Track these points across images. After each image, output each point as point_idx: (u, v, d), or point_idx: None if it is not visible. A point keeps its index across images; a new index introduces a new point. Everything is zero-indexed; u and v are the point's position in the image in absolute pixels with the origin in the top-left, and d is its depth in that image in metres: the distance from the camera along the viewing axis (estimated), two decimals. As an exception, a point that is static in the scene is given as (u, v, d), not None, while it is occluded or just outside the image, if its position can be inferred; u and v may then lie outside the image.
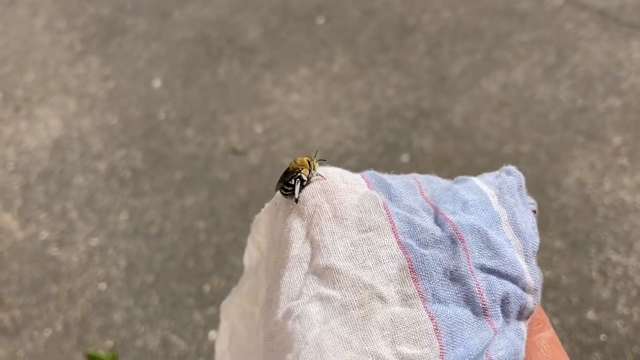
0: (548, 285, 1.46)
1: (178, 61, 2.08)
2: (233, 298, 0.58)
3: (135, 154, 1.81)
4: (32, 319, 1.47)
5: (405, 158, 1.75)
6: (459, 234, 0.40)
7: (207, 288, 1.52)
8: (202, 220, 1.65)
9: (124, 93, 1.98)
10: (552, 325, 0.45)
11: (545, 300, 1.42)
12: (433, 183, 0.47)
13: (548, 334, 0.41)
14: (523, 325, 0.39)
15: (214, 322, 1.46)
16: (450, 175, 0.47)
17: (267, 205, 0.50)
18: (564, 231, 1.55)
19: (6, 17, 2.32)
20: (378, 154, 1.78)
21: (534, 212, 0.46)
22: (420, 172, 0.49)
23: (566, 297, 1.44)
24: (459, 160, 1.74)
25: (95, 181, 1.74)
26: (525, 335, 0.39)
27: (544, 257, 1.50)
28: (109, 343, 1.43)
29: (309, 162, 0.47)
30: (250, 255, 0.55)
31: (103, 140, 1.85)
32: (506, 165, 0.49)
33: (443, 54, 2.07)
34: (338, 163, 1.78)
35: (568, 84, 1.94)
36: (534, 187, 1.65)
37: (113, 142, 1.84)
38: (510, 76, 1.98)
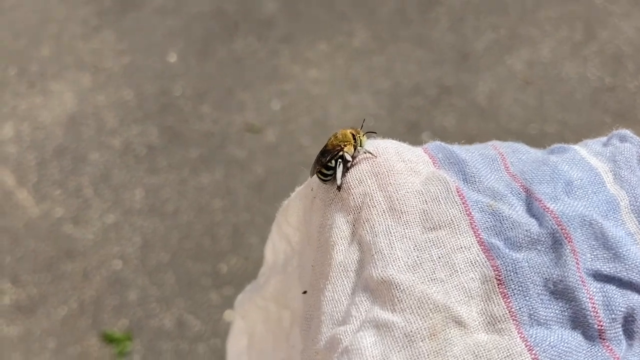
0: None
1: (194, 36, 2.04)
2: (253, 297, 0.47)
3: (150, 130, 1.78)
4: (48, 297, 1.47)
5: (426, 137, 1.71)
6: (564, 229, 0.29)
7: (223, 268, 1.50)
8: (219, 198, 1.62)
9: (139, 68, 1.95)
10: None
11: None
12: (520, 153, 0.35)
13: None
14: None
15: (230, 302, 1.44)
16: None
17: (298, 189, 0.39)
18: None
19: (21, -10, 2.28)
20: (399, 132, 1.73)
21: None
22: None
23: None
24: (482, 139, 1.67)
25: (110, 157, 1.72)
26: None
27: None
28: (124, 322, 1.42)
29: (353, 135, 0.37)
30: (276, 249, 0.44)
31: (118, 116, 1.82)
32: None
33: (467, 29, 2.00)
34: (357, 141, 1.74)
35: (596, 62, 1.87)
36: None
37: (128, 117, 1.81)
38: (535, 53, 1.92)
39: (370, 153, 0.35)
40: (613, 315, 0.28)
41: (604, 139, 0.37)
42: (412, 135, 1.72)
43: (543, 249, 0.29)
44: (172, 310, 1.44)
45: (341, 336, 0.28)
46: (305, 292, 0.37)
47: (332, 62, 1.93)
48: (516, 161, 0.35)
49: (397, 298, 0.28)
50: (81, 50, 2.01)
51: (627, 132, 0.36)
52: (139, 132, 1.78)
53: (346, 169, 0.35)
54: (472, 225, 0.30)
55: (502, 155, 0.35)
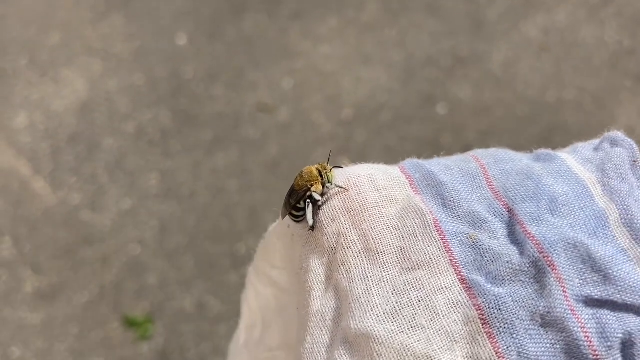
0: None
1: (202, 16, 2.02)
2: (253, 354, 0.45)
3: (163, 114, 1.77)
4: (69, 283, 1.48)
5: (441, 109, 1.68)
6: (547, 257, 0.27)
7: (242, 248, 1.49)
8: (234, 179, 1.61)
9: (149, 52, 1.94)
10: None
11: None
12: (503, 163, 0.33)
13: None
14: None
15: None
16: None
17: (272, 228, 0.38)
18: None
19: (28, -21, 2.27)
20: (413, 105, 1.70)
21: None
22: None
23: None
24: (498, 109, 1.65)
25: (124, 143, 1.72)
26: None
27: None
28: (145, 305, 1.43)
29: (320, 172, 0.35)
30: (262, 296, 0.42)
31: (131, 101, 1.81)
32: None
33: (479, -3, 1.96)
34: (371, 117, 1.72)
35: (614, 25, 1.82)
36: (579, 136, 1.57)
37: (141, 102, 1.81)
38: (551, 19, 1.87)
39: (341, 187, 0.34)
40: (609, 343, 0.26)
41: (596, 141, 0.35)
42: (427, 107, 1.69)
43: (527, 279, 0.28)
44: (192, 292, 1.44)
45: None
46: None
47: (343, 37, 1.90)
48: (499, 174, 0.33)
49: (377, 352, 0.26)
50: (90, 36, 2.00)
51: (618, 134, 0.34)
52: (152, 117, 1.77)
53: (317, 208, 0.34)
54: (452, 263, 0.29)
55: (484, 167, 0.33)
